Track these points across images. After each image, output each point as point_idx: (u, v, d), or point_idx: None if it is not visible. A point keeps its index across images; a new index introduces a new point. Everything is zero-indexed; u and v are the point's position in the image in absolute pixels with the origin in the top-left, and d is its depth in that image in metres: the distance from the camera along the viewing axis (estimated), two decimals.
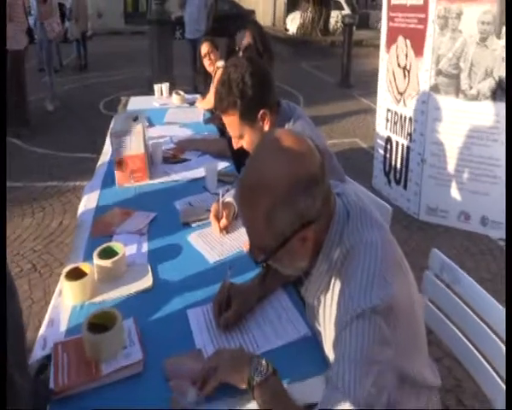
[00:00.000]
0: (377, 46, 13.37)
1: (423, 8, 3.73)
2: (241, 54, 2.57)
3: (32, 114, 6.83)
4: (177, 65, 8.33)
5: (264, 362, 1.03)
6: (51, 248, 3.70)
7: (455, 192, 3.92)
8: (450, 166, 3.89)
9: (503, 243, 3.69)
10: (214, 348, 1.26)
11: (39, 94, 7.75)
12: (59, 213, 4.30)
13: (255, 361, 1.04)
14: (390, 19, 4.22)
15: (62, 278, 1.48)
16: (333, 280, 1.05)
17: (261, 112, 1.63)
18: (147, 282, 1.52)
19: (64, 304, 1.46)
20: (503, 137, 3.56)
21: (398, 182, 4.34)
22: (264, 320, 1.36)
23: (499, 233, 3.74)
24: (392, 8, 4.18)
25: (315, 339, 1.26)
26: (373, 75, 8.92)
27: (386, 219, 1.88)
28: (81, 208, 2.14)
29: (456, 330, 1.49)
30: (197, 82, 7.49)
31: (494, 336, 1.32)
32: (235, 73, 1.59)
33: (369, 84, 8.52)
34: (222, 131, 3.14)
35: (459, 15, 3.57)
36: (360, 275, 0.96)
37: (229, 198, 1.88)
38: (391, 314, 0.93)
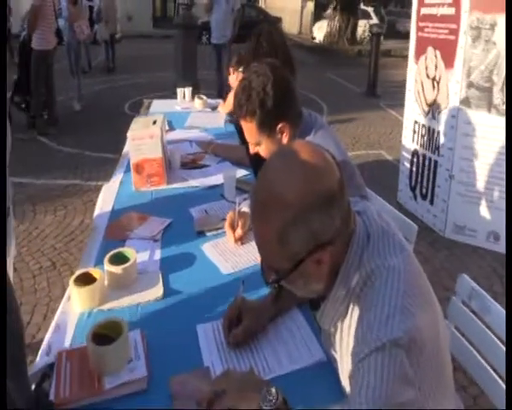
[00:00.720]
0: (405, 57, 13.20)
1: (455, 19, 3.62)
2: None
3: (60, 114, 6.92)
4: (202, 69, 8.36)
5: (273, 390, 0.95)
6: (71, 247, 3.71)
7: (484, 211, 3.77)
8: (480, 184, 3.75)
9: None
10: (223, 367, 1.19)
11: (68, 94, 7.86)
12: (80, 211, 4.32)
13: (264, 389, 0.96)
14: (419, 29, 4.11)
15: (71, 283, 1.43)
16: (351, 306, 0.97)
17: (280, 125, 1.56)
18: (157, 292, 1.46)
19: (72, 310, 1.42)
20: None
21: (424, 197, 4.22)
22: (278, 341, 1.29)
23: None
24: (421, 17, 4.07)
25: (330, 365, 1.18)
26: (400, 86, 8.78)
27: (411, 237, 1.80)
28: (97, 210, 2.10)
29: (483, 361, 1.40)
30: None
31: None
32: (257, 81, 1.53)
33: (396, 95, 8.40)
34: (242, 134, 3.09)
35: (493, 26, 3.44)
36: (381, 304, 0.88)
37: (245, 207, 1.82)
38: (414, 349, 0.84)
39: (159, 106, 3.72)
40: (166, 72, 9.70)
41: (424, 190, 4.21)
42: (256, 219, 0.94)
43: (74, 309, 1.42)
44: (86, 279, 1.44)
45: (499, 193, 3.67)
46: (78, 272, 1.48)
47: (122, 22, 12.08)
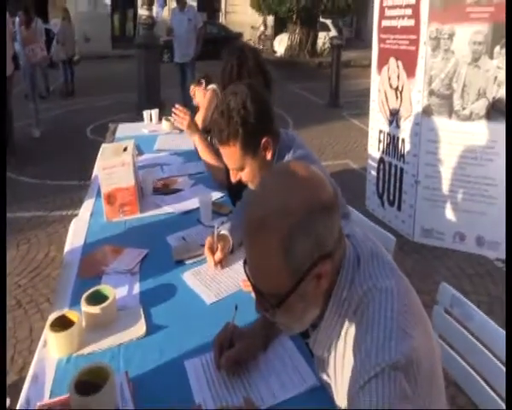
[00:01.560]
0: (365, 66, 13.47)
1: (415, 30, 3.71)
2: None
3: (18, 142, 6.70)
4: (165, 88, 8.28)
5: None
6: (37, 283, 3.55)
7: (450, 213, 3.86)
8: (445, 187, 3.84)
9: (501, 265, 3.63)
10: (215, 404, 1.15)
11: (26, 121, 7.63)
12: (44, 244, 4.16)
13: None
14: (381, 40, 4.19)
15: (47, 328, 1.36)
16: (344, 330, 0.96)
17: (264, 140, 1.54)
18: (140, 329, 1.40)
19: (49, 357, 1.34)
20: (497, 157, 3.52)
21: (391, 203, 4.28)
22: (269, 371, 1.25)
23: (496, 253, 3.69)
24: (382, 29, 4.15)
25: (323, 390, 1.16)
26: (362, 95, 8.95)
27: (390, 249, 1.80)
28: (67, 246, 2.01)
29: (468, 368, 1.43)
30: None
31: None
32: (235, 101, 1.50)
33: (358, 105, 8.56)
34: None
35: (451, 36, 3.54)
36: (377, 328, 0.87)
37: (224, 231, 1.78)
38: (412, 369, 0.84)
39: (125, 130, 3.64)
40: (128, 93, 9.56)
41: (391, 197, 4.27)
42: (254, 235, 0.90)
43: (51, 355, 1.34)
44: (63, 323, 1.36)
45: (463, 195, 3.77)
46: (53, 316, 1.41)
47: (80, 43, 11.88)
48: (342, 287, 0.94)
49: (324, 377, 1.10)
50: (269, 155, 1.58)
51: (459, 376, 1.48)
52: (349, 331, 0.94)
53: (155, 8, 8.37)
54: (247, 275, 0.98)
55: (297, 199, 0.88)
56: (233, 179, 1.62)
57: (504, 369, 1.24)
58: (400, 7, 3.87)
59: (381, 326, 0.87)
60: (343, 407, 1.02)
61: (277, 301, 0.92)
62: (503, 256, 3.58)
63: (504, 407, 1.21)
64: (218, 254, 1.71)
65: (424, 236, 3.98)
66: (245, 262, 0.99)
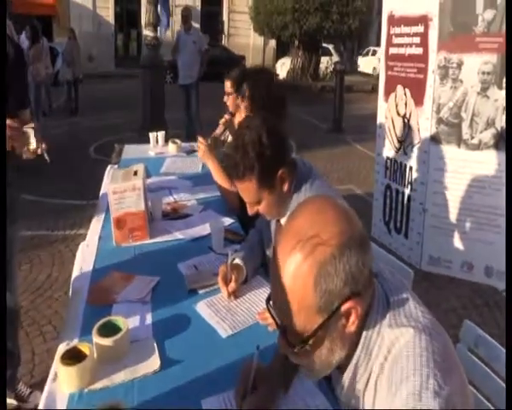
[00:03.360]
0: (367, 92, 13.54)
1: (423, 58, 3.72)
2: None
3: (21, 160, 6.65)
4: (167, 110, 8.30)
5: None
6: (39, 304, 3.48)
7: (457, 242, 3.83)
8: (453, 216, 3.81)
9: None
10: None
11: None
12: (47, 264, 4.09)
13: None
14: (388, 68, 4.20)
15: (57, 361, 1.30)
16: (374, 375, 0.91)
17: (280, 172, 1.51)
18: (154, 363, 1.35)
19: (60, 391, 1.28)
20: (504, 187, 3.51)
21: (398, 231, 4.24)
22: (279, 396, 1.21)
23: (504, 284, 3.64)
24: (390, 57, 4.17)
25: None
26: (364, 120, 9.00)
27: (408, 282, 1.76)
28: (75, 272, 1.96)
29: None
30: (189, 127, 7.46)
31: None
32: (250, 136, 1.48)
33: (360, 130, 8.59)
34: None
35: (459, 65, 3.55)
36: (412, 375, 0.83)
37: (238, 260, 1.74)
38: None
39: (131, 152, 3.60)
40: (132, 112, 9.59)
41: (398, 225, 4.24)
42: (284, 270, 0.87)
43: (62, 390, 1.28)
44: (74, 355, 1.31)
45: (471, 224, 3.74)
46: (63, 348, 1.36)
47: (83, 63, 11.95)
48: (372, 329, 0.91)
49: None
50: (286, 187, 1.55)
51: None
52: (380, 378, 0.90)
53: (160, 29, 8.38)
54: (270, 311, 0.95)
55: (331, 234, 0.85)
56: (250, 212, 1.59)
57: None
58: (408, 35, 3.89)
59: (416, 373, 0.83)
60: None
61: (303, 339, 0.88)
62: None
63: None
64: (232, 285, 1.66)
65: (432, 264, 3.94)
66: (268, 299, 0.95)
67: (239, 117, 3.24)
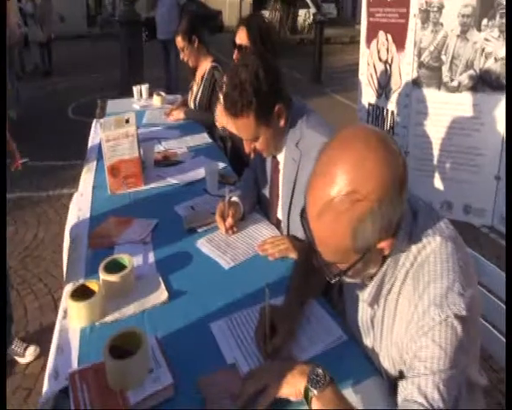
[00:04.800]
0: (345, 43, 13.35)
1: (404, 3, 3.71)
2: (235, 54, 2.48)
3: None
4: (146, 68, 8.12)
5: (320, 371, 0.94)
6: (27, 264, 3.49)
7: (438, 183, 3.93)
8: (433, 158, 3.89)
9: (486, 231, 3.73)
10: (247, 362, 1.16)
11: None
12: (33, 225, 4.08)
13: (311, 371, 0.94)
14: (370, 14, 4.18)
15: (67, 298, 1.34)
16: (399, 282, 0.98)
17: (277, 107, 1.55)
18: (162, 295, 1.40)
19: (71, 327, 1.33)
20: (482, 127, 3.59)
21: None
22: (297, 329, 1.27)
23: (481, 220, 3.77)
24: (371, 3, 4.14)
25: (352, 342, 1.21)
26: (343, 72, 8.98)
27: None
28: (72, 220, 1.98)
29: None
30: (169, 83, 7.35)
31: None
32: (247, 73, 1.49)
33: (340, 81, 8.57)
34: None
35: (440, 9, 3.56)
36: (440, 278, 0.90)
37: (235, 198, 1.78)
38: (470, 320, 0.88)
39: (115, 106, 3.56)
40: (107, 72, 9.39)
41: None
42: (322, 213, 0.87)
43: (74, 326, 1.33)
44: (82, 293, 1.34)
45: (450, 164, 3.82)
46: (71, 286, 1.39)
47: (54, 23, 11.51)
48: (401, 241, 0.95)
49: (365, 328, 1.13)
50: (282, 122, 1.59)
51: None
52: (404, 284, 0.96)
53: None
54: (307, 234, 0.94)
55: (370, 189, 0.83)
56: (247, 150, 1.63)
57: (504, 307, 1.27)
58: None
59: (444, 276, 0.89)
60: (385, 357, 1.06)
61: (340, 271, 0.94)
62: (489, 223, 3.68)
63: (504, 340, 1.26)
64: (230, 221, 1.71)
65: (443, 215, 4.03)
66: (302, 213, 0.95)
67: (201, 68, 3.24)
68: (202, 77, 3.17)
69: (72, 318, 1.34)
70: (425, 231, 0.96)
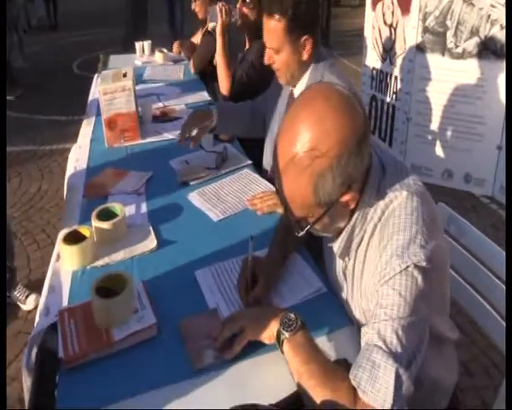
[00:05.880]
0: (354, 6, 13.03)
1: None
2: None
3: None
4: (151, 24, 8.01)
5: (292, 315, 1.00)
6: (31, 215, 3.58)
7: (439, 150, 3.93)
8: (435, 125, 3.89)
9: (486, 200, 3.74)
10: (228, 308, 1.22)
11: (8, 55, 7.36)
12: (36, 178, 4.15)
13: (283, 315, 1.00)
14: None
15: (60, 242, 1.41)
16: (368, 235, 1.01)
17: (305, 37, 1.55)
18: (151, 243, 1.46)
19: (63, 269, 1.40)
20: (485, 95, 3.56)
21: (383, 140, 4.32)
22: (279, 281, 1.32)
23: (482, 190, 3.79)
24: None
25: (330, 294, 1.25)
26: (351, 36, 8.80)
27: None
28: (70, 170, 2.04)
29: (464, 282, 1.49)
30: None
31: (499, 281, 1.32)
32: None
33: (348, 45, 8.41)
34: (207, 84, 3.07)
35: None
36: (403, 230, 0.93)
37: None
38: (430, 270, 0.91)
39: (117, 61, 3.57)
40: (113, 27, 9.26)
41: (383, 134, 4.31)
42: (285, 169, 0.92)
43: (66, 268, 1.39)
44: (75, 237, 1.41)
45: (452, 132, 3.82)
46: (65, 231, 1.45)
47: None
48: (369, 196, 0.99)
49: (339, 280, 1.18)
50: (305, 56, 1.59)
51: (456, 291, 1.54)
52: (374, 236, 1.00)
53: None
54: (276, 188, 1.00)
55: (329, 145, 0.87)
56: (266, 61, 1.63)
57: (504, 287, 1.29)
58: None
59: (407, 229, 0.93)
60: (356, 308, 1.11)
61: (307, 224, 0.98)
62: (489, 193, 3.69)
63: (504, 323, 1.27)
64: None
65: (414, 172, 4.04)
66: (272, 168, 1.01)
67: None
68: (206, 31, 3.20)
69: (65, 260, 1.41)
70: (392, 186, 0.99)
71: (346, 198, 0.94)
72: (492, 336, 1.36)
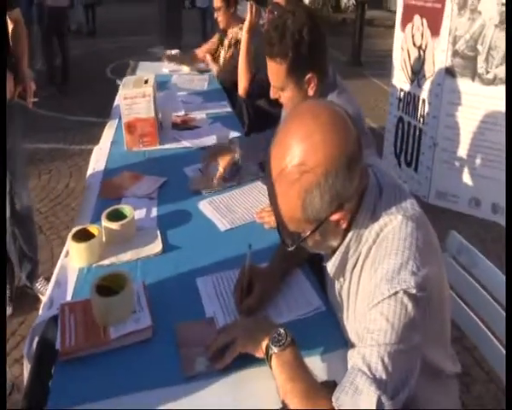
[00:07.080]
0: (388, 27, 13.03)
1: None
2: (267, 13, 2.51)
3: (41, 78, 6.70)
4: (185, 35, 8.18)
5: (282, 331, 1.00)
6: (57, 211, 3.70)
7: (466, 177, 3.84)
8: (463, 151, 3.81)
9: None
10: (224, 318, 1.23)
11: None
12: (65, 175, 4.29)
13: (274, 330, 1.00)
14: None
15: (69, 239, 1.44)
16: (362, 258, 1.00)
17: (309, 75, 1.52)
18: (156, 247, 1.49)
19: (71, 266, 1.43)
20: None
21: (408, 164, 4.27)
22: (276, 294, 1.32)
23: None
24: None
25: (330, 314, 1.24)
26: (384, 56, 8.78)
27: None
28: (89, 170, 2.10)
29: (472, 314, 1.46)
30: None
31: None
32: (293, 24, 1.45)
33: (379, 65, 8.41)
34: (229, 93, 3.10)
35: None
36: (395, 255, 0.91)
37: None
38: (422, 300, 0.89)
39: (146, 68, 3.66)
40: (149, 36, 9.49)
41: (409, 158, 4.26)
42: (275, 181, 0.92)
43: (73, 265, 1.43)
44: (84, 235, 1.45)
45: (481, 160, 3.74)
46: (75, 229, 1.49)
47: None
48: (364, 217, 0.97)
49: (336, 301, 1.16)
50: (311, 92, 1.55)
51: (460, 317, 1.51)
52: (367, 258, 0.99)
53: None
54: (269, 201, 1.00)
55: (317, 162, 0.87)
56: (272, 95, 1.60)
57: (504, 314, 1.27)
58: None
59: (399, 254, 0.91)
60: (352, 331, 1.09)
61: (298, 239, 0.97)
62: None
63: (503, 350, 1.25)
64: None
65: (439, 198, 3.97)
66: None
67: (231, 32, 3.29)
68: (230, 42, 3.26)
69: (73, 257, 1.44)
70: (388, 209, 0.97)
71: (336, 217, 0.93)
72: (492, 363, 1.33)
